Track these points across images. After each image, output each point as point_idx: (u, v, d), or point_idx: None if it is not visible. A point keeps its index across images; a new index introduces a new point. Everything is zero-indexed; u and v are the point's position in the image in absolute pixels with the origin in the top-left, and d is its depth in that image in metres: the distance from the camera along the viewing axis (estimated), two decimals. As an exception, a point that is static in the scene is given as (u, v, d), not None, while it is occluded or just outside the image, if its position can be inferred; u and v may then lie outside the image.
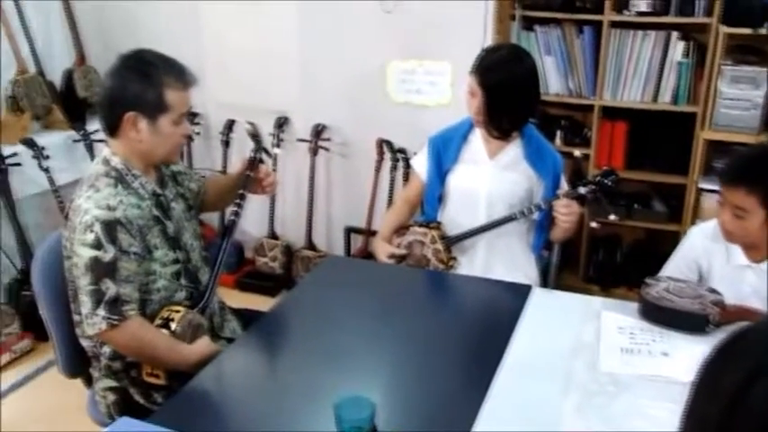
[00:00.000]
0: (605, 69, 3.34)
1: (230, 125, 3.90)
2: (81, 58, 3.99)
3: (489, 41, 3.25)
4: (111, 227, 1.72)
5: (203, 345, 1.85)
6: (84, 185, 1.82)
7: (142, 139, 1.81)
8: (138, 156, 1.84)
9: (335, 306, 2.06)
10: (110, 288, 1.72)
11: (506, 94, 2.22)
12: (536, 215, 2.35)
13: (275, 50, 3.75)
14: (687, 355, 1.72)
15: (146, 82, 1.78)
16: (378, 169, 3.61)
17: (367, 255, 3.66)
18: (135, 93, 1.77)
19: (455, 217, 2.42)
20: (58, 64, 3.94)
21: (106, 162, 1.84)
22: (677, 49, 3.23)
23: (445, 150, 2.42)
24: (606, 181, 2.23)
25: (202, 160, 4.04)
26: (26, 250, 3.37)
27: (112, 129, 1.83)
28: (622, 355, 1.74)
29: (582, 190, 2.23)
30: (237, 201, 2.12)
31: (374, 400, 1.32)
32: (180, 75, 1.83)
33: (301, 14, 3.64)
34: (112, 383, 1.88)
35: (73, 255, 1.76)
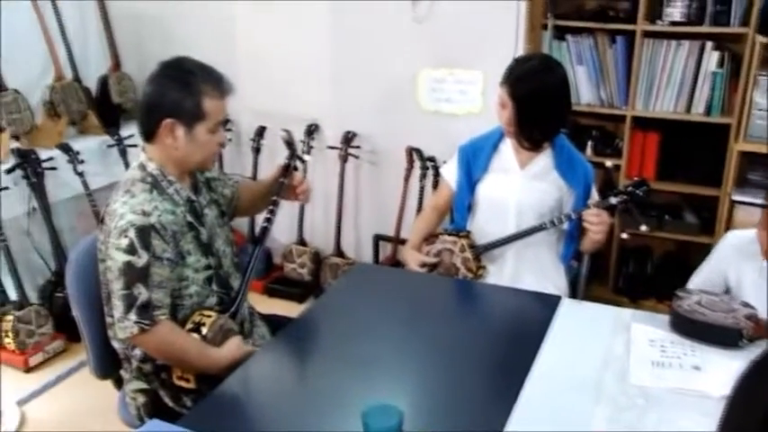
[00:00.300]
0: (638, 79, 3.31)
1: (261, 132, 3.94)
2: (116, 64, 4.06)
3: (521, 50, 3.24)
4: (145, 232, 1.74)
5: (233, 347, 1.86)
6: (120, 190, 1.85)
7: (178, 146, 1.83)
8: (173, 162, 1.87)
9: (364, 313, 2.07)
10: (142, 293, 1.74)
11: (537, 105, 2.21)
12: (566, 225, 2.34)
13: (307, 58, 3.78)
14: (719, 370, 1.69)
15: (184, 90, 1.80)
16: (407, 177, 3.61)
17: (395, 263, 3.67)
18: (173, 100, 1.80)
19: (484, 226, 2.41)
20: (93, 70, 4.02)
21: (142, 167, 1.86)
22: (711, 59, 3.19)
23: (475, 160, 2.42)
24: (638, 191, 2.21)
25: (233, 166, 4.08)
26: (60, 253, 3.43)
27: (149, 134, 1.85)
28: (653, 368, 1.72)
29: (613, 200, 2.21)
30: (270, 207, 2.13)
31: (402, 409, 1.33)
32: (218, 83, 1.85)
33: (333, 22, 3.66)
34: (143, 386, 1.90)
35: (107, 258, 1.79)
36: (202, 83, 1.82)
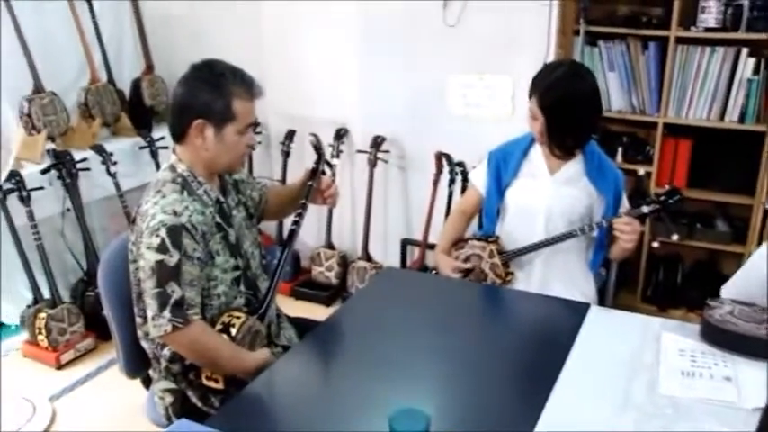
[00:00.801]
0: (670, 86, 3.27)
1: (290, 135, 3.96)
2: (149, 67, 4.12)
3: (551, 56, 3.23)
4: (176, 231, 1.76)
5: (263, 354, 1.88)
6: (152, 191, 1.87)
7: (207, 147, 1.85)
8: (202, 163, 1.89)
9: (391, 317, 2.07)
10: (175, 291, 1.75)
11: (567, 114, 2.20)
12: (595, 232, 2.32)
13: (336, 63, 3.81)
14: (751, 381, 1.66)
15: (215, 91, 1.82)
16: (435, 182, 3.61)
17: (423, 267, 3.67)
18: (204, 101, 1.82)
19: (513, 232, 2.40)
20: (127, 73, 4.09)
21: (173, 169, 1.89)
22: (747, 66, 3.14)
23: (505, 165, 2.41)
24: (670, 200, 2.18)
25: (262, 169, 4.11)
26: (91, 253, 3.48)
27: (180, 135, 1.88)
28: (683, 378, 1.70)
29: (645, 209, 2.18)
30: (299, 211, 2.14)
31: (428, 413, 1.32)
32: (248, 86, 1.87)
33: (363, 26, 3.68)
34: (171, 385, 1.92)
35: (139, 258, 1.81)
36: (233, 85, 1.84)
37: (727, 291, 2.07)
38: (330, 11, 3.71)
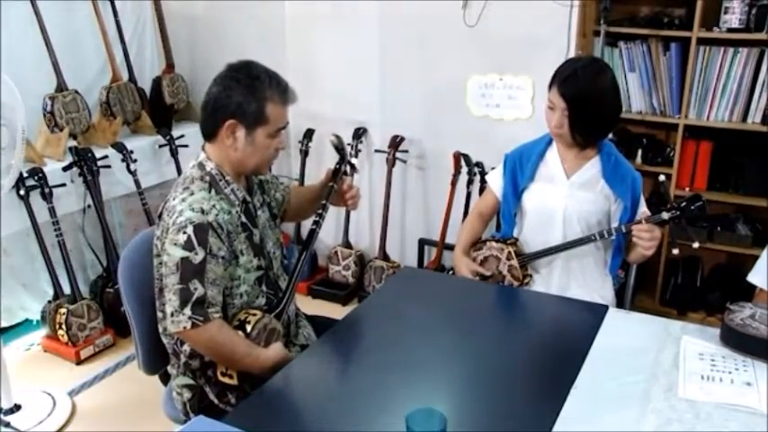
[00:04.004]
0: (691, 87, 3.24)
1: (310, 134, 3.97)
2: (169, 66, 4.14)
3: (572, 56, 3.21)
4: (202, 230, 1.77)
5: (277, 350, 1.88)
6: (180, 187, 1.88)
7: (237, 147, 1.86)
8: (230, 163, 1.89)
9: (409, 317, 2.07)
10: (197, 289, 1.76)
11: (589, 102, 2.17)
12: (613, 236, 2.30)
13: (356, 62, 3.82)
14: (772, 387, 1.65)
15: (250, 94, 1.82)
16: (454, 183, 3.61)
17: (440, 267, 3.66)
18: (238, 102, 1.82)
19: (531, 235, 2.39)
20: (148, 71, 4.12)
21: (201, 166, 1.90)
22: (770, 67, 3.11)
23: (521, 168, 2.40)
24: (692, 207, 2.12)
25: (281, 168, 4.13)
26: (111, 249, 3.51)
27: (211, 133, 1.89)
28: (703, 382, 1.68)
29: (665, 215, 2.13)
30: (319, 211, 2.14)
31: (445, 413, 1.32)
32: (282, 91, 1.87)
33: (383, 26, 3.69)
34: (189, 381, 1.93)
35: (163, 253, 1.81)
36: (268, 89, 1.84)
37: (754, 276, 2.04)
38: (351, 11, 3.71)
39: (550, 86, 2.22)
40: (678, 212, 2.12)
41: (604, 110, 2.23)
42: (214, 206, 1.82)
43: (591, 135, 2.25)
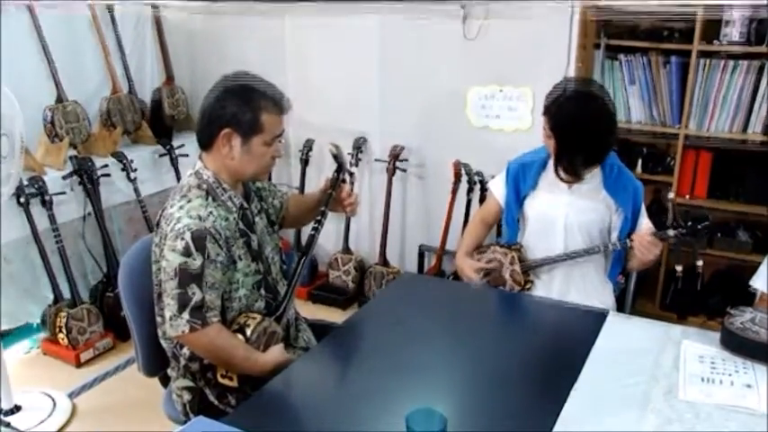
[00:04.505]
0: (692, 98, 3.27)
1: (310, 144, 4.01)
2: (169, 78, 4.19)
3: (572, 69, 3.25)
4: (200, 236, 1.79)
5: (276, 353, 1.90)
6: (177, 195, 1.91)
7: (234, 156, 1.88)
8: (227, 171, 1.92)
9: (409, 321, 2.09)
10: (196, 293, 1.78)
11: (575, 138, 2.20)
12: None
13: (356, 74, 3.85)
14: (772, 389, 1.66)
15: (245, 103, 1.85)
16: (454, 191, 3.63)
17: (440, 273, 3.69)
18: (233, 112, 1.85)
19: (533, 242, 2.41)
20: (148, 83, 4.16)
21: (198, 175, 1.92)
22: (771, 79, 3.14)
23: (523, 177, 2.43)
24: (698, 226, 2.13)
25: (281, 177, 4.16)
26: (111, 256, 3.54)
27: (207, 143, 1.91)
28: (703, 384, 1.70)
29: (671, 233, 2.15)
30: (318, 218, 2.16)
31: (445, 414, 1.33)
32: (277, 100, 1.90)
33: (383, 38, 3.73)
34: (189, 383, 1.95)
35: (162, 260, 1.83)
36: (262, 98, 1.87)
37: (756, 281, 2.06)
38: (351, 24, 3.75)
39: (544, 113, 2.26)
40: (684, 230, 2.14)
41: (593, 143, 2.23)
42: (211, 213, 1.84)
43: (578, 168, 2.27)
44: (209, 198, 1.88)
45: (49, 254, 3.29)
